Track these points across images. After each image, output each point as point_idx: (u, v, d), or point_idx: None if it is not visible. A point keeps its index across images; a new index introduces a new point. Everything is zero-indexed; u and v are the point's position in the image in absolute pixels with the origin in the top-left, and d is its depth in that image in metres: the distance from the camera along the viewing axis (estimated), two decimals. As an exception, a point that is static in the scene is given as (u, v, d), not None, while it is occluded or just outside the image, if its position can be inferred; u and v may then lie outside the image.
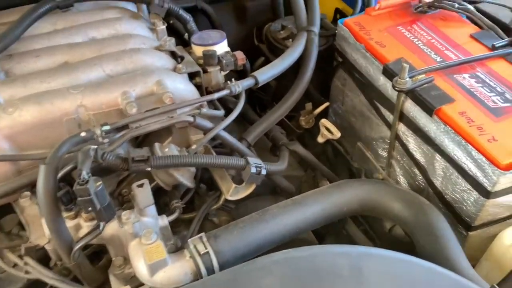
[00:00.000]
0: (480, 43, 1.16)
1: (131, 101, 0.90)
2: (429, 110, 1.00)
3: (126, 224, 0.85)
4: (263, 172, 0.97)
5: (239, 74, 1.26)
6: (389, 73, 1.10)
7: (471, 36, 1.18)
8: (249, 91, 1.61)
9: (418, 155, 1.10)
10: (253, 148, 1.17)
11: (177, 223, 1.11)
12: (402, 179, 1.21)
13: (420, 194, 1.14)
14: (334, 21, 1.56)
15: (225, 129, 1.05)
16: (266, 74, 1.09)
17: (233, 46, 1.78)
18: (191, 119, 0.95)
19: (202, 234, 0.87)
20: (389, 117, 1.15)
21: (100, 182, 0.77)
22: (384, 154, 1.24)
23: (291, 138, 1.55)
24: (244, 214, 1.02)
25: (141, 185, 0.86)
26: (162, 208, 1.03)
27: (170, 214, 0.99)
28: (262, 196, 1.25)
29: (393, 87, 1.04)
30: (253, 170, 0.95)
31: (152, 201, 0.88)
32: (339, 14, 1.56)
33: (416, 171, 1.13)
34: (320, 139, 1.38)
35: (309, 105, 1.43)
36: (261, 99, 1.59)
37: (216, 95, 0.98)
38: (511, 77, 1.06)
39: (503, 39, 1.17)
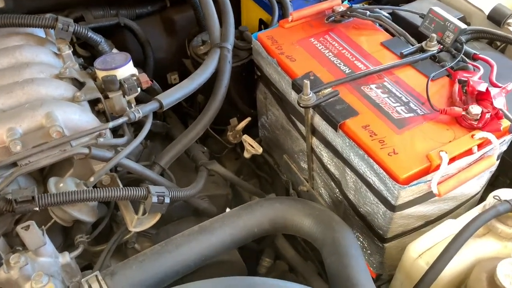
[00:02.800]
0: (390, 51, 1.16)
1: (14, 138, 0.86)
2: (334, 124, 0.99)
3: (12, 269, 0.81)
4: (166, 200, 0.94)
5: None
6: (297, 88, 1.08)
7: (382, 44, 1.18)
8: (178, 106, 1.59)
9: (332, 168, 1.09)
10: (168, 171, 1.14)
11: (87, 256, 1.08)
12: (323, 191, 1.20)
13: (338, 206, 1.14)
14: (259, 32, 1.55)
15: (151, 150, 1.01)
16: (172, 96, 1.06)
17: (165, 60, 1.77)
18: (86, 150, 0.92)
19: (97, 272, 0.84)
20: (304, 130, 1.14)
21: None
22: (306, 166, 1.23)
23: (223, 153, 1.54)
24: (165, 239, 0.99)
25: (26, 227, 0.82)
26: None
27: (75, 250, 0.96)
28: (185, 219, 1.22)
29: (298, 103, 1.02)
30: (155, 199, 0.93)
31: (44, 241, 0.84)
32: (263, 25, 1.55)
33: (332, 184, 1.12)
34: (246, 154, 1.36)
35: (234, 121, 1.41)
36: (190, 114, 1.57)
37: (111, 124, 0.94)
38: (417, 86, 1.06)
39: (413, 45, 1.17)
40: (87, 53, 1.56)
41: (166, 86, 1.77)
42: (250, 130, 1.51)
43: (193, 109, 1.52)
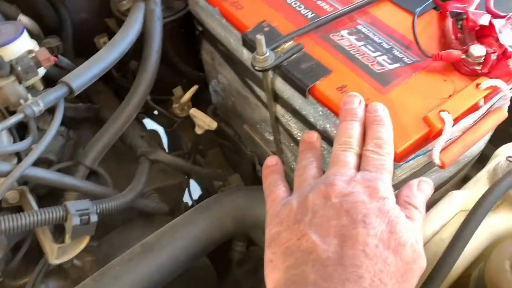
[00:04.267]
0: (361, -16, 0.92)
1: None
2: (301, 89, 0.77)
3: None
4: (93, 219, 0.71)
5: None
6: (249, 45, 0.84)
7: (350, -24, 0.93)
8: (109, 78, 1.30)
9: (304, 142, 0.88)
10: (99, 170, 0.89)
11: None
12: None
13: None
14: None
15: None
16: (84, 76, 0.80)
17: (89, 21, 1.45)
18: (-31, 168, 0.66)
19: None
20: (265, 97, 0.91)
21: None
22: (272, 138, 1.01)
23: (173, 127, 1.30)
24: (110, 252, 0.78)
25: None
26: None
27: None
28: (132, 222, 0.99)
29: (252, 66, 0.78)
30: (76, 221, 0.69)
31: None
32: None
33: (307, 159, 0.91)
34: (198, 131, 1.13)
35: (177, 90, 1.16)
36: (125, 86, 1.29)
37: (0, 127, 0.68)
38: (398, 25, 0.84)
39: (387, -27, 0.93)
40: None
41: (96, 52, 1.48)
42: (202, 94, 1.27)
43: (126, 79, 1.25)
